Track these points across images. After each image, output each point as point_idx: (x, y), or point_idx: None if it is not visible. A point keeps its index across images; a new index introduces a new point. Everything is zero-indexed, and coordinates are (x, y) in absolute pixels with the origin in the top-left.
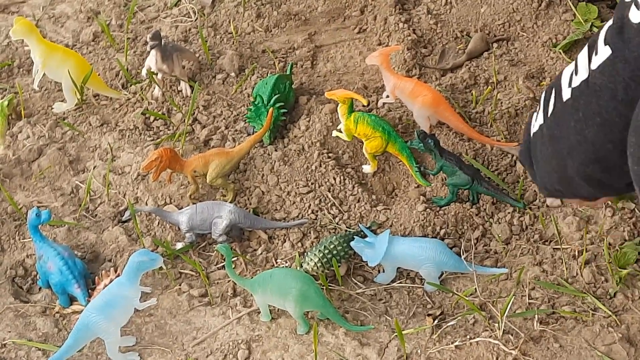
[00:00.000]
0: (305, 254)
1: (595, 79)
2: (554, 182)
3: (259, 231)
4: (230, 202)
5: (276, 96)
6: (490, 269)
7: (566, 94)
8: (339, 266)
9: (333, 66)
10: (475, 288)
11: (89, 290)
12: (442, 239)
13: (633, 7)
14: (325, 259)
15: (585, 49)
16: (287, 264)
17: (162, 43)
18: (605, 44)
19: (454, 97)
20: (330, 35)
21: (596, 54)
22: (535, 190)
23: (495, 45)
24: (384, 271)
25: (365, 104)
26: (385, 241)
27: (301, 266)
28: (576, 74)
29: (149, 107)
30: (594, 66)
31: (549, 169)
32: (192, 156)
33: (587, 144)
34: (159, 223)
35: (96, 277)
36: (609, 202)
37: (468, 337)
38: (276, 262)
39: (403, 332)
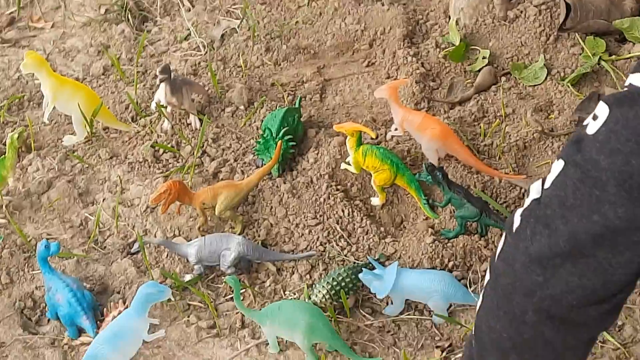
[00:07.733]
0: (313, 286)
1: (547, 192)
2: None
3: (268, 263)
4: (239, 234)
5: (285, 129)
6: None
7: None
8: (347, 298)
9: (342, 99)
10: None
11: (98, 322)
12: (451, 271)
13: (590, 120)
14: (333, 291)
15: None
16: (295, 296)
17: (172, 76)
18: (558, 159)
19: (463, 130)
20: (339, 68)
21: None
22: None
23: (503, 78)
24: (392, 303)
25: (374, 137)
26: (393, 273)
27: (309, 298)
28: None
29: (158, 140)
30: (547, 184)
31: None
32: (201, 189)
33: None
34: (167, 255)
35: (105, 309)
36: None
37: None
38: (284, 294)
39: None
